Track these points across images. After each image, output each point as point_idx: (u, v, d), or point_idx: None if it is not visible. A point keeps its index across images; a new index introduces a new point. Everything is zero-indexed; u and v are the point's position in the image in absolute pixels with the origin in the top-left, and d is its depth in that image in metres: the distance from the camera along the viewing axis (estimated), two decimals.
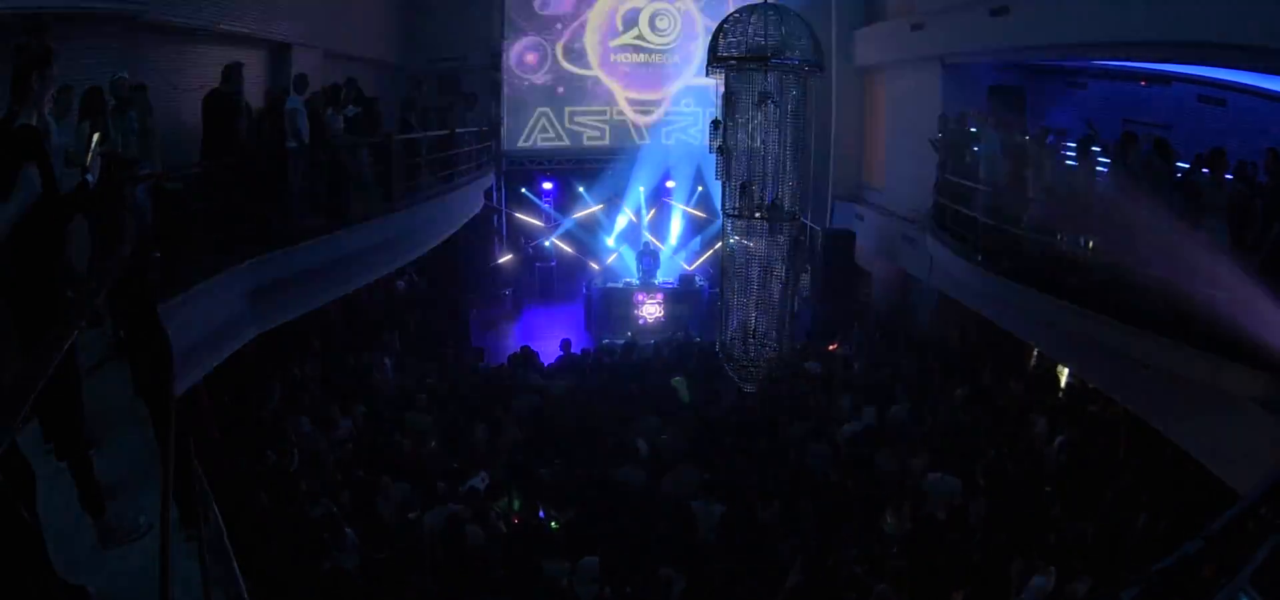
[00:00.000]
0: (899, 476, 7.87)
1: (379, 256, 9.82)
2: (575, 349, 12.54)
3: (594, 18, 17.15)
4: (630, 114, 17.52)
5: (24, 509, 2.39)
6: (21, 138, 2.86)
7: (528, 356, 11.38)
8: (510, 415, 9.28)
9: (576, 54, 17.22)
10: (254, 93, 9.90)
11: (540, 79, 17.12)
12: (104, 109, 5.93)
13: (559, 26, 17.10)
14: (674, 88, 17.17)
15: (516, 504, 7.26)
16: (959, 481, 7.85)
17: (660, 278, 16.66)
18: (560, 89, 17.22)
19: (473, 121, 13.48)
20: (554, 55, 17.06)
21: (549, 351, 12.44)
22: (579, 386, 10.52)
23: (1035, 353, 10.51)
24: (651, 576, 6.13)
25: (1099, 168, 8.25)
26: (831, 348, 12.70)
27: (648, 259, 16.73)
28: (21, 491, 2.50)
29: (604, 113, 17.52)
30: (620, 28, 17.21)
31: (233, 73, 7.48)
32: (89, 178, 3.25)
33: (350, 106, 10.00)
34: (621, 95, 17.51)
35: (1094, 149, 8.29)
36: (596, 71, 17.29)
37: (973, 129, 10.27)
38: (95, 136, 3.71)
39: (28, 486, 2.54)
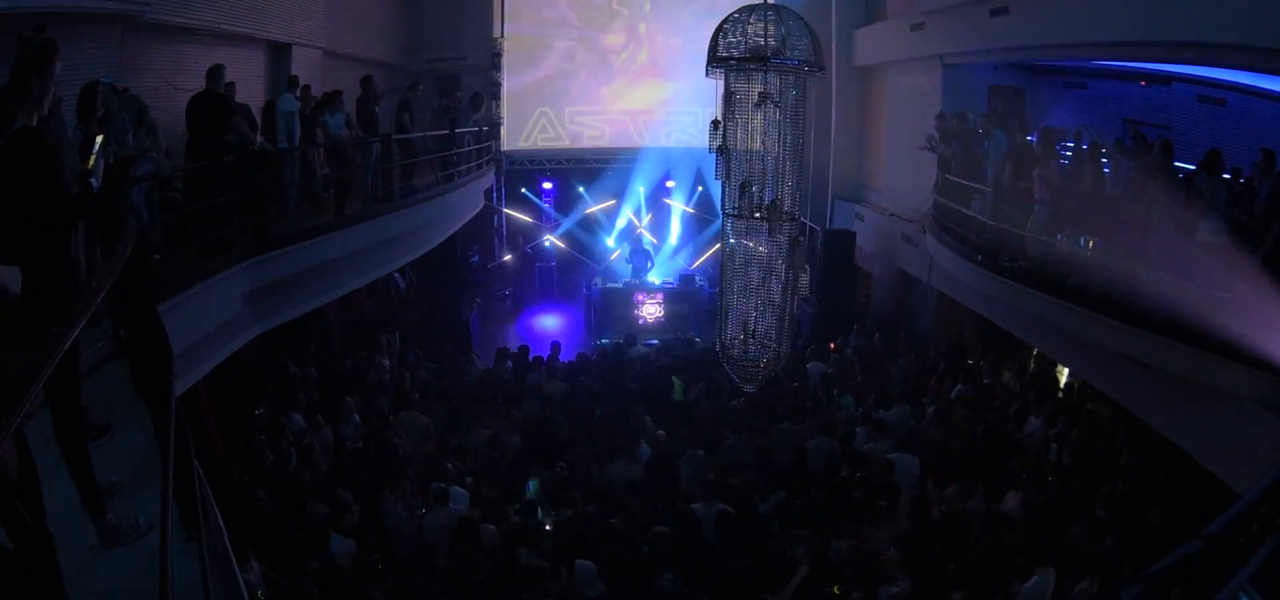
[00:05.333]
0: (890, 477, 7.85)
1: (379, 256, 9.82)
2: (571, 352, 12.53)
3: (583, 15, 17.14)
4: (628, 129, 17.44)
5: (27, 512, 2.39)
6: (21, 140, 2.84)
7: (521, 358, 11.35)
8: (511, 419, 9.26)
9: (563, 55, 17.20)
10: (254, 92, 9.90)
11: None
12: (96, 113, 5.91)
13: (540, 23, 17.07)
14: (679, 98, 17.08)
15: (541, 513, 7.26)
16: (916, 460, 7.91)
17: (653, 276, 16.66)
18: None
19: (474, 121, 13.48)
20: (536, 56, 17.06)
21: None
22: (577, 388, 10.51)
23: (1035, 353, 10.52)
24: (649, 577, 6.13)
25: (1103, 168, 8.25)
26: (831, 347, 12.70)
27: (639, 257, 16.75)
28: (27, 495, 2.50)
29: (604, 113, 17.52)
30: (614, 24, 17.23)
31: (217, 74, 7.49)
32: (93, 181, 3.24)
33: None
34: (618, 107, 17.47)
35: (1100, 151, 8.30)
36: (586, 80, 17.26)
37: (980, 130, 10.28)
38: (98, 139, 3.70)
39: (33, 491, 2.53)
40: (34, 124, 2.91)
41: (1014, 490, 7.26)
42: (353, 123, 9.70)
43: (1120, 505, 6.84)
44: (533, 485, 7.65)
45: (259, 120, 8.94)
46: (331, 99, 9.49)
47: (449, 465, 7.98)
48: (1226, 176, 7.04)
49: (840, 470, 8.00)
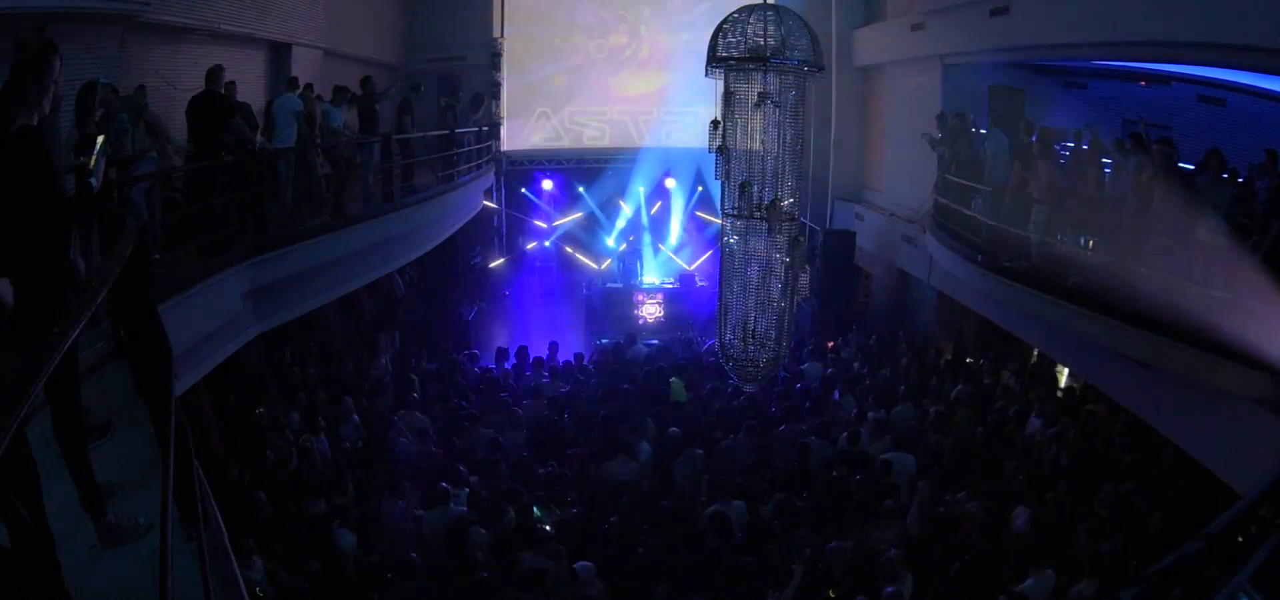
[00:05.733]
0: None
1: (379, 256, 9.82)
2: (571, 352, 12.51)
3: (580, 14, 17.08)
4: (628, 129, 17.46)
5: (26, 510, 2.39)
6: (20, 141, 2.85)
7: (521, 358, 11.35)
8: (512, 419, 9.25)
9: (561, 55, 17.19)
10: (255, 93, 9.90)
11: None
12: (94, 112, 5.91)
13: (539, 23, 17.04)
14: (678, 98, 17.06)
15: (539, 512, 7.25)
16: (912, 458, 7.95)
17: (649, 277, 16.66)
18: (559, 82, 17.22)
19: (473, 122, 13.49)
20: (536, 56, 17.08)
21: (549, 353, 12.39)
22: (576, 389, 10.50)
23: (1035, 352, 10.52)
24: (648, 578, 6.13)
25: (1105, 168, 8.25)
26: (830, 346, 12.70)
27: (630, 258, 16.75)
28: (26, 494, 2.50)
29: (604, 112, 17.51)
30: (613, 24, 17.20)
31: (216, 75, 7.52)
32: (93, 181, 3.24)
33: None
34: (618, 107, 17.46)
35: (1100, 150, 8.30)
36: (584, 80, 17.26)
37: (982, 131, 10.28)
38: (99, 139, 3.70)
39: (33, 489, 2.53)
40: (34, 124, 2.91)
41: (1023, 506, 7.13)
42: (351, 126, 9.70)
43: (1121, 506, 6.84)
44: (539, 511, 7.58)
45: (260, 121, 8.95)
46: (339, 94, 9.52)
47: (460, 467, 7.97)
48: (1224, 176, 7.02)
49: (838, 471, 8.01)
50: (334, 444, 8.26)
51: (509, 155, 17.19)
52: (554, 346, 11.94)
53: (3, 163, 2.81)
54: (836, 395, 10.32)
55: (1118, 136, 8.44)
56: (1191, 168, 7.41)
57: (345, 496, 7.12)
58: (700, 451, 8.21)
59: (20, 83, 2.90)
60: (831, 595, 6.13)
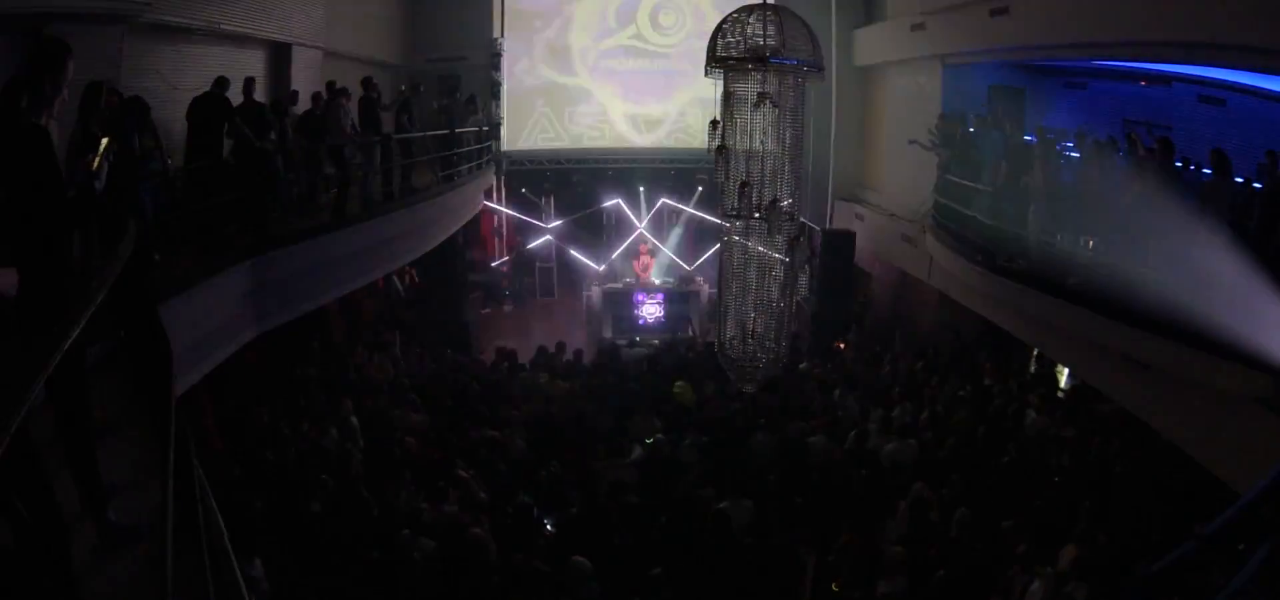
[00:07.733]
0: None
1: (379, 256, 9.83)
2: (571, 352, 12.52)
3: (581, 14, 16.99)
4: (627, 130, 17.39)
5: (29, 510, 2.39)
6: (31, 137, 2.85)
7: (514, 358, 11.36)
8: (513, 419, 9.26)
9: (561, 56, 17.11)
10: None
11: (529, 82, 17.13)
12: (99, 111, 5.92)
13: (539, 23, 16.95)
14: (680, 98, 17.02)
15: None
16: (915, 444, 8.02)
17: (652, 277, 16.69)
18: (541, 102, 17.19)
19: (473, 121, 13.52)
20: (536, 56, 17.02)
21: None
22: (578, 388, 10.50)
23: (1035, 353, 10.52)
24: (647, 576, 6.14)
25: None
26: (840, 346, 12.70)
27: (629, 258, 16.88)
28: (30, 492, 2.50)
29: (604, 112, 17.51)
30: (614, 25, 17.08)
31: (224, 83, 7.58)
32: (95, 183, 3.24)
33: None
34: (618, 107, 17.39)
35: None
36: (585, 81, 17.16)
37: (971, 129, 10.28)
38: (103, 141, 3.70)
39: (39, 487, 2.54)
40: (43, 123, 2.92)
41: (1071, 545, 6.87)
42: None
43: (1122, 510, 6.83)
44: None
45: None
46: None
47: (456, 464, 7.97)
48: (1239, 180, 7.00)
49: (844, 468, 8.01)
50: (334, 444, 8.26)
51: (509, 155, 17.20)
52: (561, 345, 11.96)
53: (10, 159, 2.82)
54: (836, 394, 10.32)
55: (1111, 135, 8.44)
56: (1180, 165, 7.41)
57: (346, 496, 7.11)
58: (705, 438, 8.25)
59: (34, 81, 2.91)
60: (834, 589, 6.14)
